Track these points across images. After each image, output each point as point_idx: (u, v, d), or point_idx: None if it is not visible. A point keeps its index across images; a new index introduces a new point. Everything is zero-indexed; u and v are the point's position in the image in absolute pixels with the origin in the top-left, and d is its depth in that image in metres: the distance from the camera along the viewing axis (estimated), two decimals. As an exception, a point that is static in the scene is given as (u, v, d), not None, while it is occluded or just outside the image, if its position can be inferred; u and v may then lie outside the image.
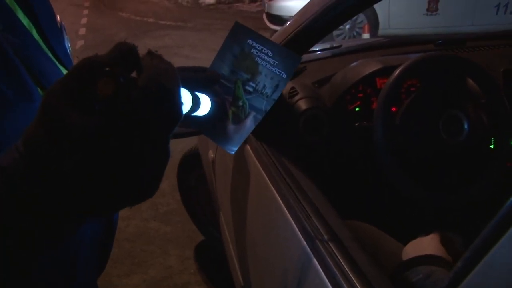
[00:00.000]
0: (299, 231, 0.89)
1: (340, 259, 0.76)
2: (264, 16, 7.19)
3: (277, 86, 0.80)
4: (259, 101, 0.80)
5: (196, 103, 0.63)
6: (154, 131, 0.37)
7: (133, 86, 0.36)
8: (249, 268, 1.18)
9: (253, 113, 0.79)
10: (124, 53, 0.37)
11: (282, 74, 0.81)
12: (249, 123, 0.80)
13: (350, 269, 0.74)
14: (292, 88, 1.46)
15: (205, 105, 0.69)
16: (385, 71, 1.43)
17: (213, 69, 0.79)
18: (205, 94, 0.69)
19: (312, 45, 1.36)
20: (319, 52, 1.74)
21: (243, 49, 0.80)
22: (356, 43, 1.83)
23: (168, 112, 0.39)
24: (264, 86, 0.80)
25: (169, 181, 3.02)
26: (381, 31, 6.51)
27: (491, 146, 1.31)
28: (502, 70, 1.51)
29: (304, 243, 0.85)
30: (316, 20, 1.09)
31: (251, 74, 0.80)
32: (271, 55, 0.80)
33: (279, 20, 6.59)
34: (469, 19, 6.46)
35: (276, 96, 0.79)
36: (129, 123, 0.35)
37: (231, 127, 0.80)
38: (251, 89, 0.80)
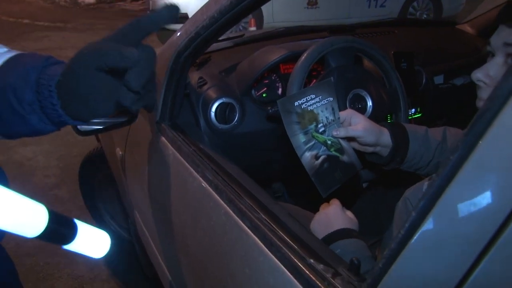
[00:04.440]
0: (234, 213, 0.89)
1: (282, 233, 0.78)
2: (149, 14, 7.02)
3: (333, 109, 0.99)
4: (334, 127, 1.00)
5: (63, 231, 0.52)
6: None
7: None
8: (180, 260, 1.15)
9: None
10: None
11: (329, 99, 0.99)
12: (346, 144, 1.03)
13: (295, 242, 0.76)
14: (200, 78, 1.46)
15: (97, 242, 0.58)
16: (289, 57, 1.49)
17: (296, 148, 0.94)
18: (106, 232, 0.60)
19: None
20: (222, 42, 1.75)
21: (297, 112, 0.94)
22: (257, 32, 1.87)
23: None
24: (327, 118, 0.98)
25: (67, 188, 2.85)
26: (265, 25, 6.73)
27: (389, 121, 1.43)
28: (392, 52, 1.65)
29: (241, 223, 0.85)
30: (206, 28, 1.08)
31: (314, 121, 0.96)
32: (314, 97, 0.97)
33: (164, 17, 6.47)
34: (345, 12, 6.94)
35: (338, 115, 1.01)
36: None
37: (345, 158, 1.01)
38: (323, 128, 0.98)
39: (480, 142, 0.46)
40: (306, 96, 0.96)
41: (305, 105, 0.96)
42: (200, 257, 1.01)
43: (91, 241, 0.56)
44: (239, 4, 0.93)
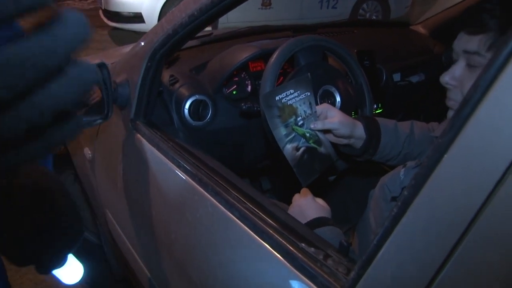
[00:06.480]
0: (221, 204, 0.91)
1: (271, 221, 0.81)
2: (101, 13, 6.86)
3: (310, 103, 1.05)
4: (312, 121, 1.06)
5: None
6: None
7: None
8: (162, 256, 1.16)
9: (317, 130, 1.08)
10: None
11: (306, 93, 1.04)
12: (323, 137, 1.08)
13: (284, 228, 0.79)
14: (171, 76, 1.47)
15: (74, 271, 0.68)
16: (258, 55, 1.53)
17: (279, 140, 0.98)
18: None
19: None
20: (190, 41, 1.76)
21: (278, 106, 0.98)
22: (224, 31, 1.90)
23: None
24: (305, 112, 1.04)
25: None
26: (220, 25, 6.73)
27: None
28: (356, 51, 1.72)
29: (230, 214, 0.88)
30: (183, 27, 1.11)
31: (294, 115, 1.01)
32: (292, 92, 1.01)
33: (117, 16, 6.36)
34: (298, 13, 7.08)
35: (315, 109, 1.06)
36: None
37: (322, 149, 1.07)
38: (302, 121, 1.03)
39: (464, 128, 0.52)
40: (286, 91, 1.00)
41: (285, 99, 1.00)
42: (185, 251, 1.02)
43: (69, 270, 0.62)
44: (221, 2, 0.96)
